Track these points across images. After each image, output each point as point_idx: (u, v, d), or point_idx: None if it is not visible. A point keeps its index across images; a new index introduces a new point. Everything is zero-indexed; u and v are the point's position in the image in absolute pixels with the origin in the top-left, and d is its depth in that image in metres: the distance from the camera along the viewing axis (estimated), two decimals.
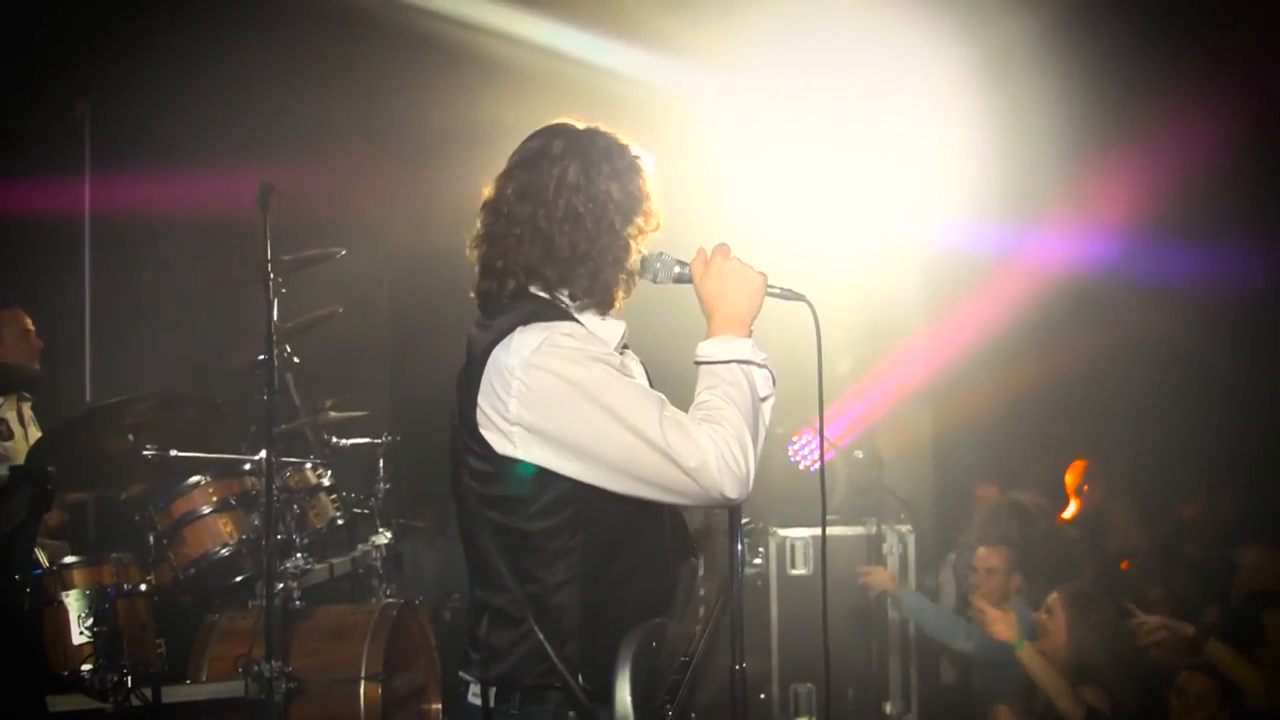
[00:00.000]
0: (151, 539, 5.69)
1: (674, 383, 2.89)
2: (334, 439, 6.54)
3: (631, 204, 2.85)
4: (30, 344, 6.49)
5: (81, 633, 5.18)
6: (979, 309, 8.56)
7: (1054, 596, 5.58)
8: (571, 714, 2.71)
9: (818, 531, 7.12)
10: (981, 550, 6.44)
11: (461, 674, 2.87)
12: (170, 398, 5.90)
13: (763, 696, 7.22)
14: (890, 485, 7.48)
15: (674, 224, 2.96)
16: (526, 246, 2.80)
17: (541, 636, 2.70)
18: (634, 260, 2.87)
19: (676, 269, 2.93)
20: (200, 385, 6.86)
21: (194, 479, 5.69)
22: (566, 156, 2.82)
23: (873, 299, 8.47)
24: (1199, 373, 8.50)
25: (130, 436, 5.69)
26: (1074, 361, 8.75)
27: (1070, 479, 8.25)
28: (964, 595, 6.81)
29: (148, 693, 5.13)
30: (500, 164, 2.90)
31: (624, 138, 2.91)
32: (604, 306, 2.85)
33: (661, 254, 2.93)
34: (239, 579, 5.71)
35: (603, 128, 2.91)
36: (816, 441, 7.42)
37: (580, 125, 2.90)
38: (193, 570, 5.64)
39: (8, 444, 6.25)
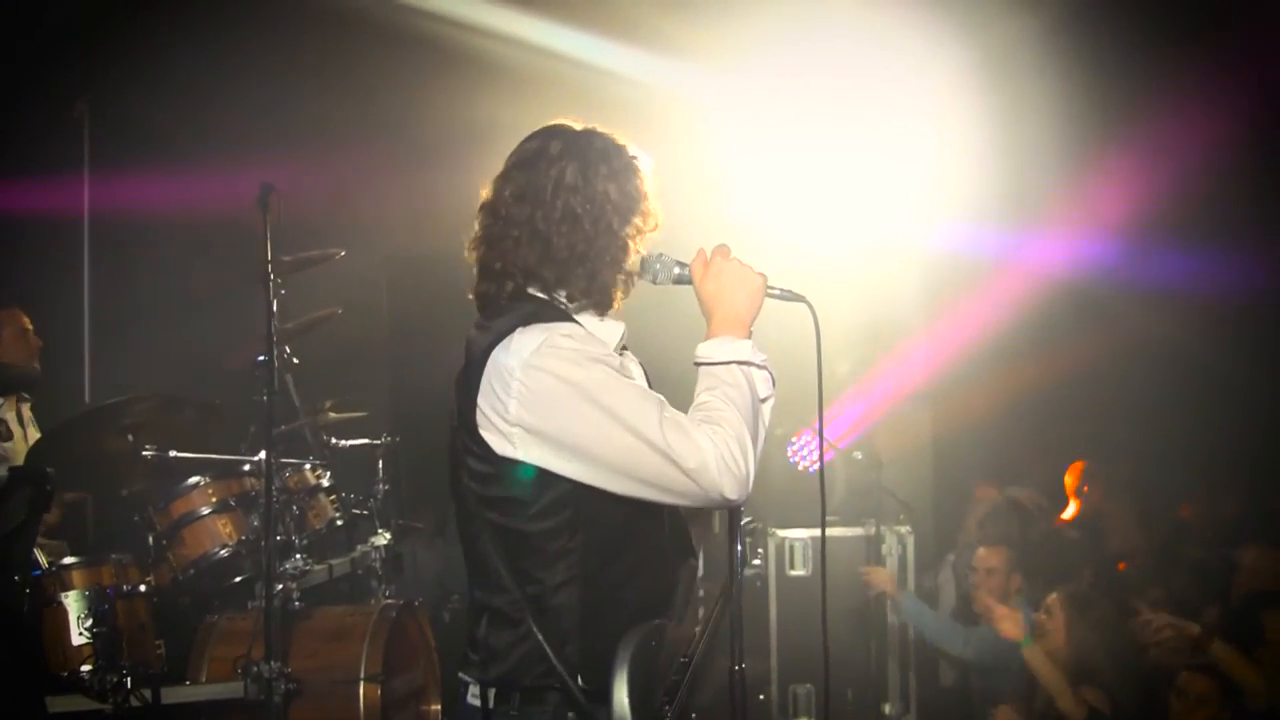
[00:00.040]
0: (151, 540, 5.68)
1: (673, 384, 2.89)
2: (333, 440, 6.54)
3: (629, 204, 2.84)
4: (29, 343, 6.48)
5: (81, 633, 5.18)
6: (978, 310, 8.56)
7: (1053, 597, 5.58)
8: (571, 715, 2.71)
9: (817, 532, 7.13)
10: (981, 550, 6.44)
11: (461, 675, 2.87)
12: (169, 398, 5.89)
13: (761, 697, 7.23)
14: (889, 486, 7.48)
15: (673, 225, 2.96)
16: (524, 248, 2.80)
17: (541, 637, 2.70)
18: (632, 261, 2.87)
19: (676, 270, 2.93)
20: (199, 386, 6.84)
21: (193, 480, 5.69)
22: (564, 157, 2.82)
23: (872, 300, 8.48)
24: (1199, 373, 8.50)
25: (129, 437, 5.69)
26: (1073, 362, 8.75)
27: (1070, 480, 8.25)
28: (964, 595, 6.80)
29: (147, 693, 5.12)
30: (499, 165, 2.90)
31: (621, 138, 2.91)
32: (602, 307, 2.85)
33: (661, 255, 2.93)
34: (238, 580, 5.70)
35: (600, 128, 2.91)
36: (816, 442, 7.42)
37: (577, 126, 2.90)
38: (192, 571, 5.63)
39: (7, 445, 6.24)
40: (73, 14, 7.29)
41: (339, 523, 6.18)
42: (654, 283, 2.94)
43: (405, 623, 5.76)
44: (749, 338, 2.83)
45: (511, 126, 2.99)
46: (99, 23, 7.33)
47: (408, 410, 8.54)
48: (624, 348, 2.92)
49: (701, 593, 3.14)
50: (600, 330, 2.82)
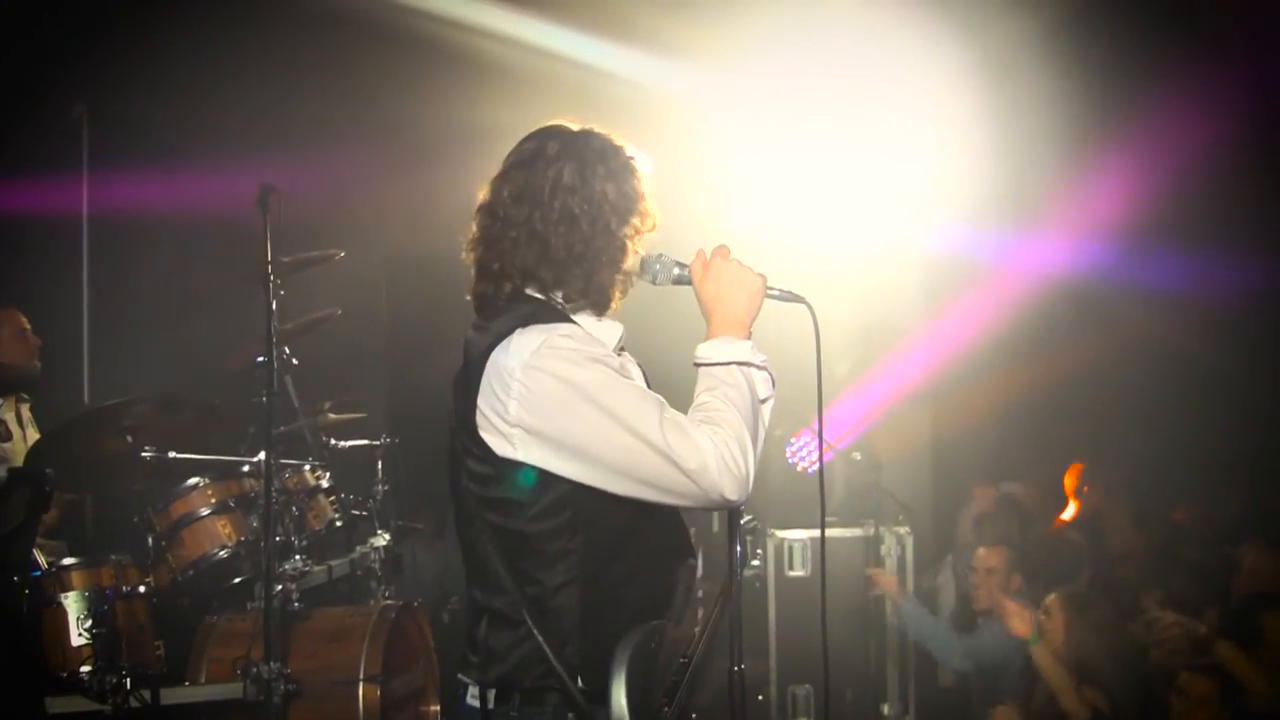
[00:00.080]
0: (150, 541, 5.68)
1: (673, 385, 2.89)
2: (333, 441, 6.54)
3: (627, 204, 2.85)
4: (28, 343, 6.47)
5: (80, 634, 5.18)
6: (978, 311, 8.57)
7: (1052, 598, 5.59)
8: (570, 716, 2.71)
9: (816, 533, 7.14)
10: (981, 550, 6.45)
11: (460, 676, 2.87)
12: (169, 399, 5.88)
13: (761, 698, 7.23)
14: (888, 487, 7.49)
15: (672, 226, 2.96)
16: (523, 249, 2.80)
17: (540, 638, 2.70)
18: (630, 261, 2.88)
19: (676, 271, 2.93)
20: (199, 387, 6.84)
21: (193, 481, 5.69)
22: (562, 158, 2.82)
23: (872, 301, 8.48)
24: (1198, 374, 8.51)
25: (129, 438, 5.68)
26: (1073, 363, 8.76)
27: (1069, 481, 8.25)
28: (964, 595, 6.80)
29: (146, 694, 5.12)
30: (498, 166, 2.90)
31: (619, 139, 2.91)
32: (600, 307, 2.86)
33: (661, 256, 2.93)
34: (237, 581, 5.70)
35: (597, 129, 2.91)
36: (815, 443, 7.42)
37: (575, 127, 2.91)
38: (191, 572, 5.63)
39: (6, 445, 6.24)
40: (72, 14, 7.28)
41: (338, 524, 6.18)
42: (654, 283, 2.95)
43: (404, 624, 5.75)
44: (749, 338, 2.83)
45: (511, 127, 2.99)
46: (98, 23, 7.33)
47: (407, 411, 8.55)
48: (622, 349, 2.92)
49: (700, 593, 3.14)
50: (599, 331, 2.83)
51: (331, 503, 6.17)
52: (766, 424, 2.82)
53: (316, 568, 5.91)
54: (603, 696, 2.66)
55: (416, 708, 5.83)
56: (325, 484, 6.15)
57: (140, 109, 7.50)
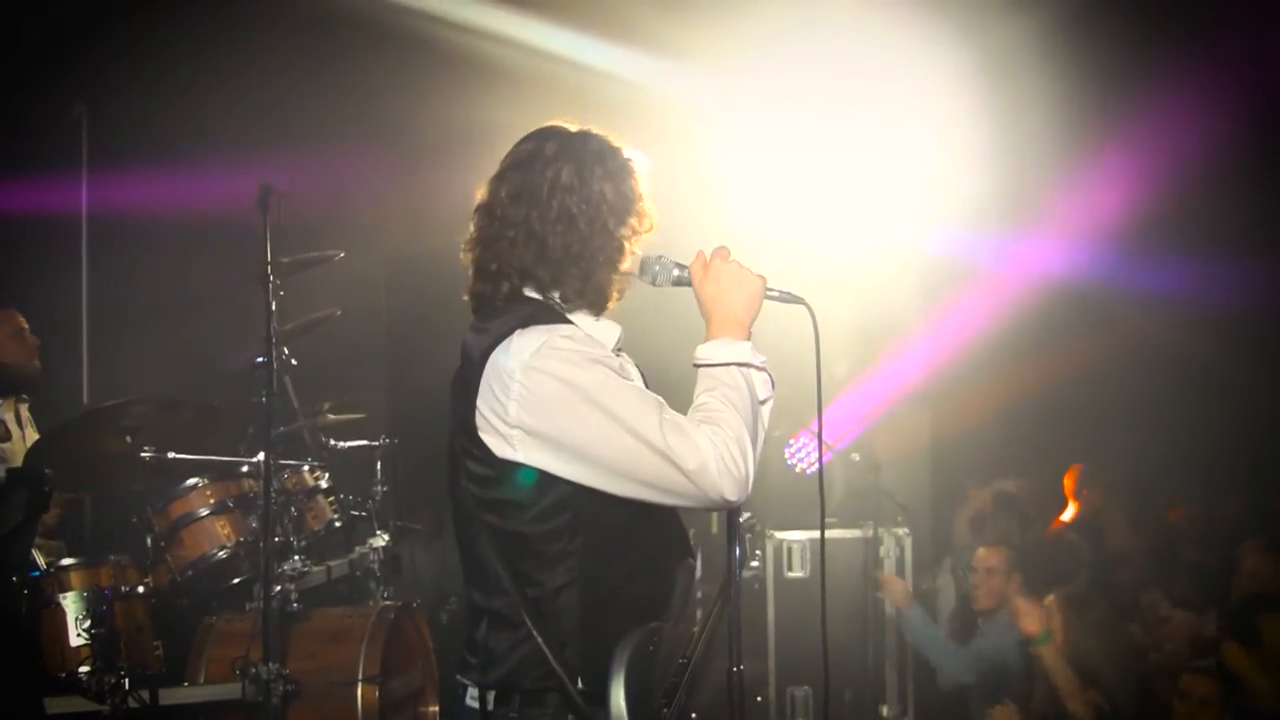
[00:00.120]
0: (149, 541, 5.68)
1: (672, 386, 2.89)
2: (332, 441, 6.53)
3: (625, 205, 2.85)
4: (26, 343, 6.47)
5: (79, 635, 5.17)
6: (977, 312, 8.57)
7: (1050, 599, 5.59)
8: (570, 717, 2.71)
9: (815, 534, 7.15)
10: (981, 550, 6.45)
11: (459, 678, 2.87)
12: (168, 400, 5.88)
13: (760, 699, 7.22)
14: (887, 488, 7.48)
15: (672, 227, 2.96)
16: (520, 248, 2.81)
17: (540, 640, 2.70)
18: (627, 261, 2.88)
19: (676, 272, 2.93)
20: (198, 387, 6.85)
21: (192, 481, 5.69)
22: (560, 158, 2.83)
23: (871, 302, 8.47)
24: (1198, 376, 8.51)
25: (128, 438, 5.68)
26: (1072, 365, 8.76)
27: (1069, 482, 8.25)
28: (964, 596, 6.81)
29: (145, 695, 5.11)
30: (496, 167, 2.91)
31: (616, 140, 2.92)
32: (597, 307, 2.86)
33: (661, 257, 2.93)
34: (236, 581, 5.69)
35: (595, 130, 2.92)
36: (814, 444, 7.41)
37: (573, 128, 2.91)
38: (190, 572, 5.63)
39: (5, 446, 6.23)
40: (71, 14, 7.28)
41: (337, 524, 6.17)
42: (653, 284, 2.95)
43: (403, 624, 5.75)
44: (748, 340, 2.83)
45: (510, 128, 3.00)
46: (97, 23, 7.33)
47: (406, 412, 8.55)
48: (620, 349, 2.93)
49: (700, 595, 3.14)
50: (597, 331, 2.83)
51: (330, 503, 6.17)
52: (766, 425, 2.82)
53: (315, 568, 5.91)
54: (602, 698, 2.66)
55: (415, 708, 5.83)
56: (324, 484, 6.15)
57: (140, 109, 7.50)
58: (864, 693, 7.26)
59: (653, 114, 7.21)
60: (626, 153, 2.90)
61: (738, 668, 2.91)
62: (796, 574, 7.29)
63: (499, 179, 2.87)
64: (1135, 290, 8.47)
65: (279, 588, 5.34)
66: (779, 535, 7.32)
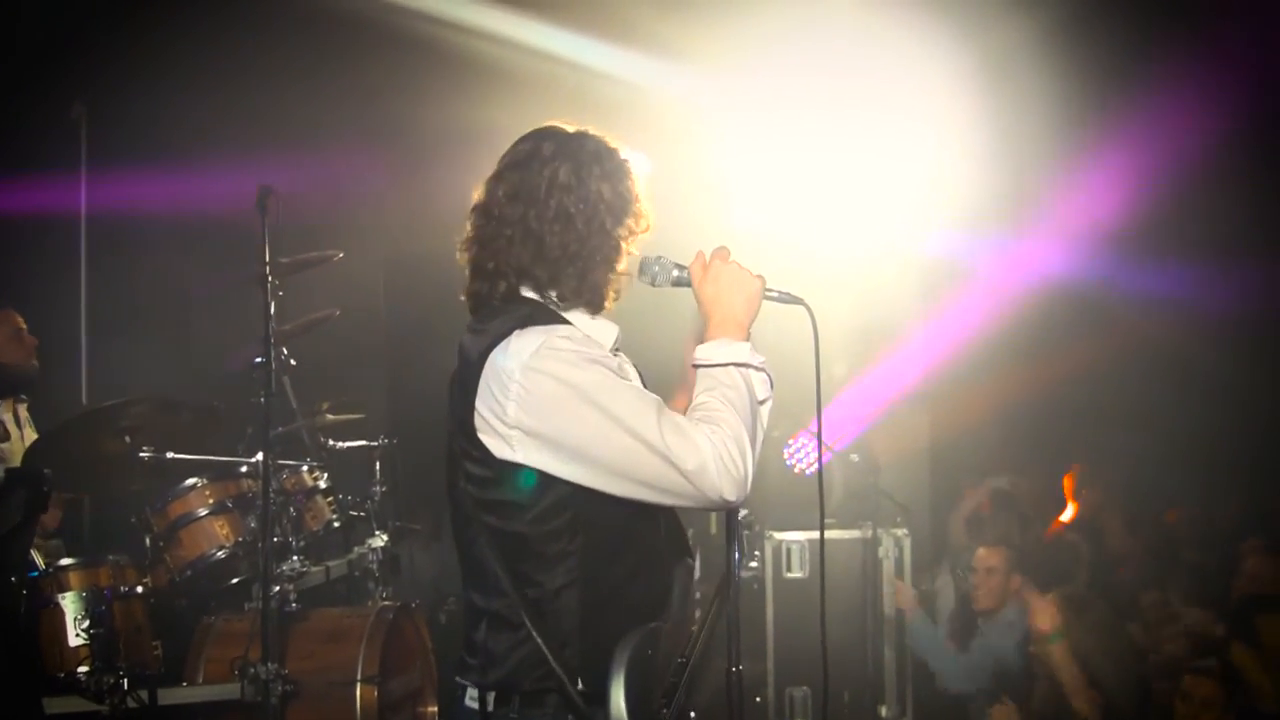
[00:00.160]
0: (148, 541, 5.68)
1: (669, 387, 2.89)
2: (331, 442, 6.54)
3: (622, 205, 2.86)
4: (24, 343, 6.47)
5: (78, 635, 5.18)
6: (976, 312, 8.56)
7: (1050, 599, 5.59)
8: (570, 718, 2.71)
9: (813, 535, 7.14)
10: (982, 550, 6.45)
11: (458, 679, 2.86)
12: (167, 400, 5.88)
13: (758, 700, 7.22)
14: (886, 489, 7.47)
15: (671, 227, 2.96)
16: (518, 247, 2.81)
17: (540, 641, 2.70)
18: (624, 261, 2.88)
19: (675, 272, 2.93)
20: (197, 387, 6.84)
21: (190, 481, 5.69)
22: (557, 158, 2.83)
23: (870, 302, 8.46)
24: (1197, 377, 8.51)
25: (127, 438, 5.68)
26: (1071, 366, 8.76)
27: (1069, 483, 8.26)
28: (964, 596, 6.81)
29: (144, 695, 5.12)
30: (494, 167, 2.91)
31: (613, 140, 2.92)
32: (594, 306, 2.86)
33: (660, 258, 2.94)
34: (235, 581, 5.70)
35: (592, 130, 2.93)
36: (813, 445, 7.42)
37: (570, 128, 2.92)
38: (189, 572, 5.63)
39: (4, 446, 6.23)
40: (71, 14, 7.28)
41: (336, 524, 6.18)
42: (653, 285, 2.95)
43: (402, 624, 5.75)
44: (747, 340, 2.83)
45: (509, 129, 3.00)
46: (97, 23, 7.33)
47: (405, 412, 8.54)
48: (617, 349, 2.92)
49: (699, 595, 3.14)
50: (595, 331, 2.83)
51: (329, 504, 6.17)
52: (765, 425, 2.82)
53: (314, 568, 5.91)
54: (602, 698, 2.66)
55: (414, 709, 5.83)
56: (323, 485, 6.15)
57: (139, 109, 7.50)
58: (863, 693, 7.25)
59: (652, 114, 7.21)
60: (623, 153, 2.91)
61: (737, 668, 2.91)
62: (795, 574, 7.29)
63: (496, 179, 2.88)
64: (1134, 291, 8.48)
65: (278, 588, 5.34)
66: (778, 536, 7.31)
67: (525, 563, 2.72)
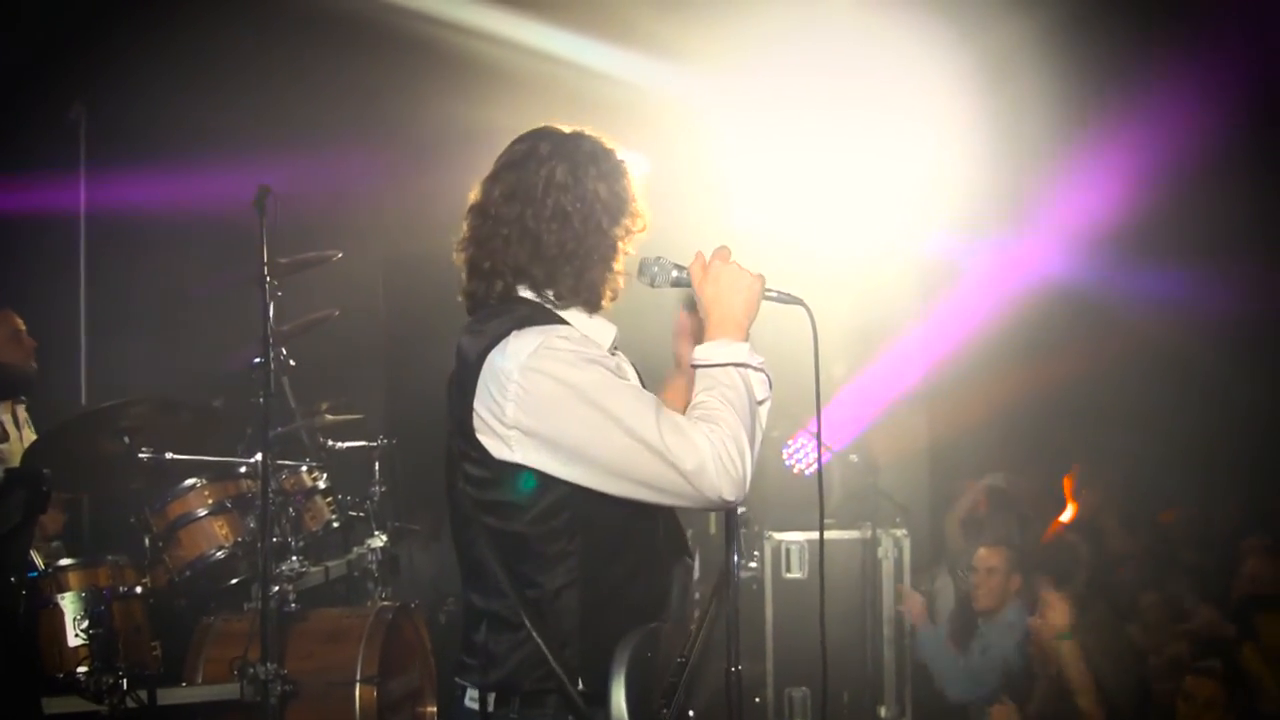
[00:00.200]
0: (147, 541, 5.68)
1: (657, 383, 2.88)
2: (330, 442, 6.54)
3: (619, 204, 2.86)
4: (23, 344, 6.46)
5: (77, 635, 5.18)
6: (975, 313, 8.56)
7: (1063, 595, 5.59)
8: (570, 718, 2.70)
9: (813, 535, 7.14)
10: (982, 550, 6.45)
11: (457, 680, 2.86)
12: (166, 400, 5.88)
13: (758, 700, 7.22)
14: (885, 489, 7.47)
15: (671, 228, 2.97)
16: (514, 246, 2.81)
17: (540, 641, 2.69)
18: (621, 261, 2.88)
19: (674, 273, 2.93)
20: (196, 388, 6.84)
21: (190, 481, 5.69)
22: (554, 158, 2.83)
23: (869, 303, 8.46)
24: (1196, 377, 8.51)
25: (126, 439, 5.68)
26: (1070, 366, 8.76)
27: (1069, 483, 8.25)
28: (963, 596, 6.81)
29: (143, 695, 5.12)
30: (491, 168, 2.91)
31: (609, 141, 2.92)
32: (591, 306, 2.86)
33: (660, 258, 2.94)
34: (234, 581, 5.70)
35: (588, 131, 2.93)
36: (812, 445, 7.42)
37: (566, 128, 2.92)
38: (188, 573, 5.63)
39: (3, 447, 6.23)
40: (70, 15, 7.28)
41: (335, 525, 6.18)
42: (652, 285, 2.95)
43: (401, 625, 5.75)
44: (747, 340, 2.83)
45: (508, 129, 3.00)
46: (96, 23, 7.32)
47: (404, 412, 8.54)
48: (615, 349, 2.92)
49: (697, 595, 3.14)
50: (593, 331, 2.83)
51: (328, 504, 6.17)
52: (764, 425, 2.81)
53: (313, 569, 5.92)
54: (602, 698, 2.66)
55: (413, 709, 5.83)
56: (322, 485, 6.15)
57: (138, 110, 7.50)
58: (862, 694, 7.26)
59: (651, 115, 7.21)
60: (620, 154, 2.91)
61: (736, 668, 2.91)
62: (794, 575, 7.29)
63: (493, 179, 2.88)
64: (1133, 291, 8.47)
65: (277, 588, 5.35)
66: (777, 536, 7.31)
67: (525, 563, 2.72)
